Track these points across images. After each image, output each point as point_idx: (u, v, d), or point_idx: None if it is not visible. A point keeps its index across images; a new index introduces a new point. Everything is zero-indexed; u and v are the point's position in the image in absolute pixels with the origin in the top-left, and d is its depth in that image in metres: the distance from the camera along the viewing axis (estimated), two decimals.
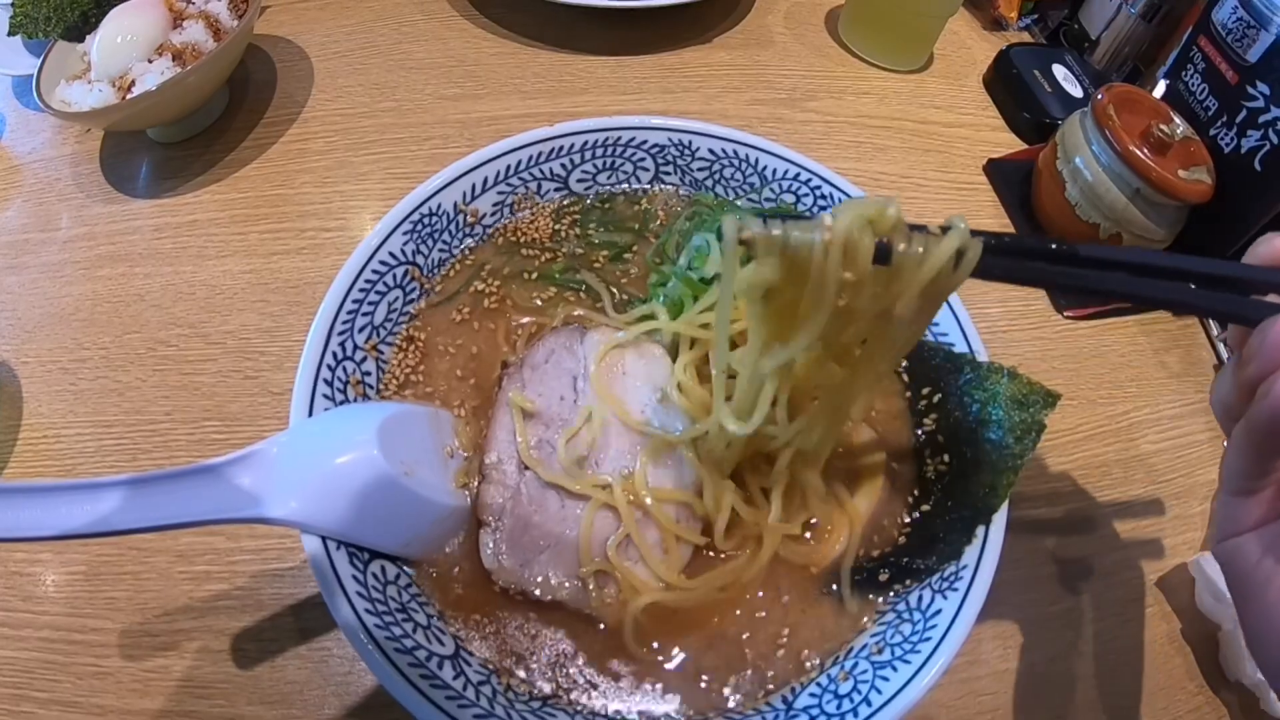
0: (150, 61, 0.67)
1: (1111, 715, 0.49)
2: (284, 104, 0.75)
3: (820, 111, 0.76)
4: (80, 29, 0.73)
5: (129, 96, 0.65)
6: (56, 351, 0.62)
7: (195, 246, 0.66)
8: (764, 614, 0.43)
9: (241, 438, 0.56)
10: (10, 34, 0.72)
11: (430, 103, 0.74)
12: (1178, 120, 0.65)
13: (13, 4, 0.71)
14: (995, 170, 0.75)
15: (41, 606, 0.52)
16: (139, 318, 0.63)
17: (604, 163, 0.55)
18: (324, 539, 0.39)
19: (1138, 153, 0.62)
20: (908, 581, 0.43)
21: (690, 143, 0.55)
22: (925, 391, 0.50)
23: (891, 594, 0.43)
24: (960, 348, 0.49)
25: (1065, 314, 0.67)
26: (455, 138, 0.71)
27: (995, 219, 0.72)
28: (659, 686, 0.41)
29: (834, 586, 0.44)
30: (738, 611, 0.43)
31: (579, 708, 0.39)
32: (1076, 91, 0.79)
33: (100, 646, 0.50)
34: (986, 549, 0.42)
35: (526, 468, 0.43)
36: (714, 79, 0.78)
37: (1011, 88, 0.80)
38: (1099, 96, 0.66)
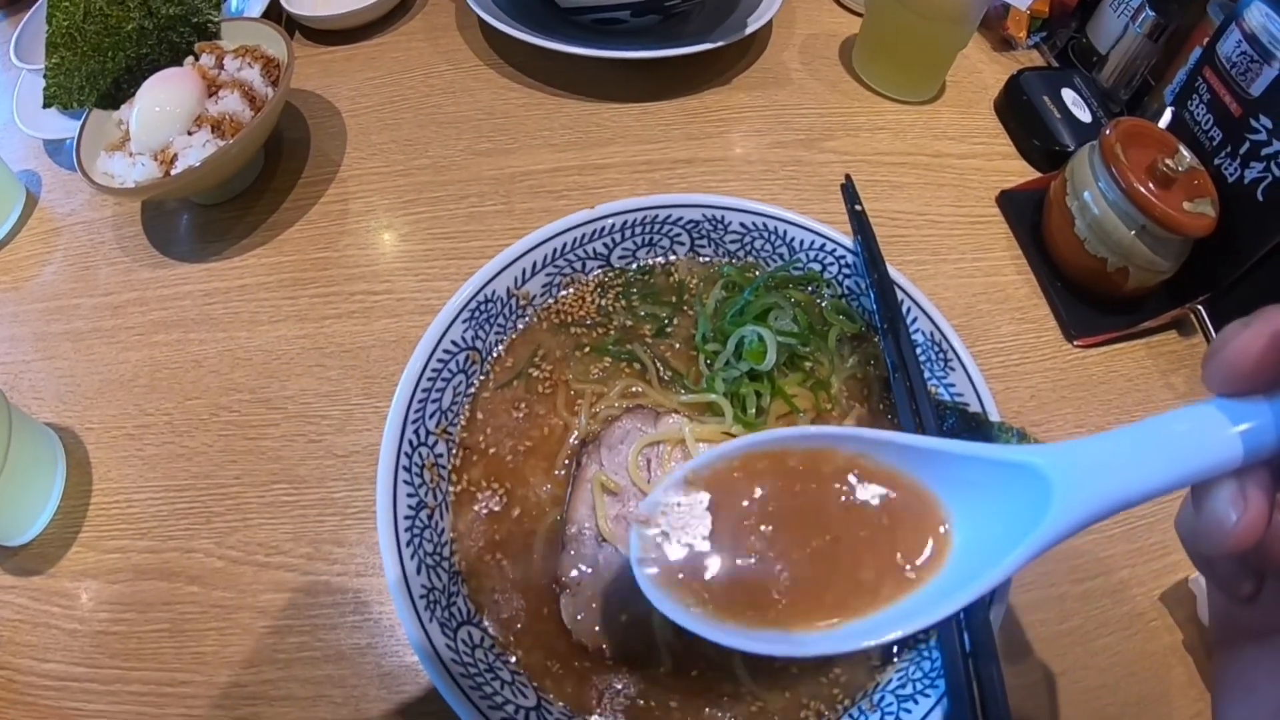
0: (190, 134, 0.68)
1: None
2: (320, 163, 0.77)
3: (838, 151, 0.78)
4: (113, 96, 0.74)
5: (173, 171, 0.66)
6: (120, 418, 0.65)
7: (248, 312, 0.69)
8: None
9: (311, 499, 0.60)
10: (45, 105, 0.73)
11: (464, 159, 0.76)
12: (1184, 152, 0.67)
13: (45, 75, 0.72)
14: (1008, 201, 0.77)
15: (129, 663, 0.55)
16: (199, 383, 0.65)
17: (643, 239, 0.58)
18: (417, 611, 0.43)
19: (1142, 190, 0.64)
20: (931, 631, 0.46)
21: (723, 218, 0.58)
22: None
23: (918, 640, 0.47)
24: (974, 407, 0.53)
25: (1075, 343, 0.69)
26: (491, 195, 0.73)
27: (1008, 251, 0.74)
28: None
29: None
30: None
31: None
32: (1085, 116, 0.81)
33: (191, 698, 0.53)
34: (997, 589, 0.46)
35: (604, 540, 0.47)
36: (735, 122, 0.80)
37: (1022, 115, 0.82)
38: (1107, 133, 0.67)
